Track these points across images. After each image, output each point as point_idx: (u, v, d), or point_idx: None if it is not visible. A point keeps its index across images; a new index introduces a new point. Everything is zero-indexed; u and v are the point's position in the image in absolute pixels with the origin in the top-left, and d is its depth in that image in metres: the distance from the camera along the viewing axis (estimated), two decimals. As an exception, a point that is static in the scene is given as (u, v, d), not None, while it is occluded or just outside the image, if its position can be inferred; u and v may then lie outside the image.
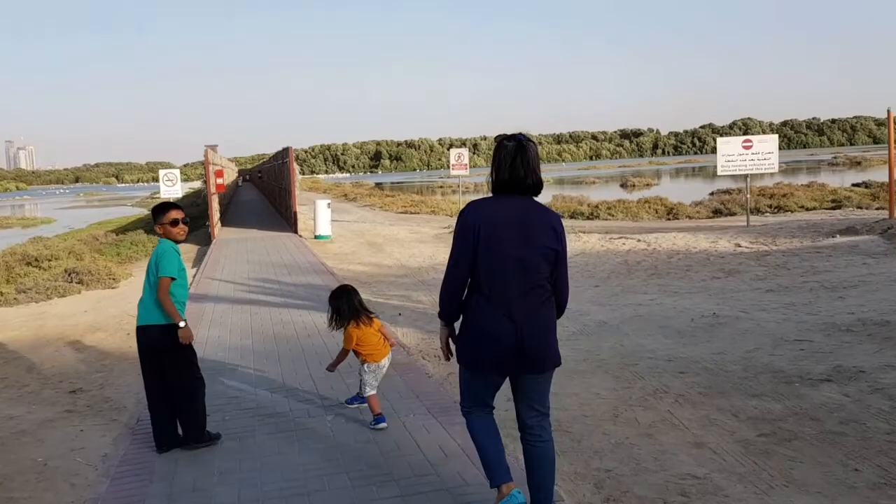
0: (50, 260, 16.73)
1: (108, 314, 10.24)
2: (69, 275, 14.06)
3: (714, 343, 6.79)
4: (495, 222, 3.17)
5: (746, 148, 18.30)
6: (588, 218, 27.56)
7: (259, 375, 6.44)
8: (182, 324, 4.54)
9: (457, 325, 3.46)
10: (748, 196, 19.19)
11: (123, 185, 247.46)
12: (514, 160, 3.18)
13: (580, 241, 15.51)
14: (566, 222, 26.50)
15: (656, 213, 26.75)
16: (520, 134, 3.26)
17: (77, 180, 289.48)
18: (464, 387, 3.44)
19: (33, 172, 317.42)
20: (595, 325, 7.84)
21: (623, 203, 29.75)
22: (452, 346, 3.49)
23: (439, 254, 15.67)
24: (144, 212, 49.86)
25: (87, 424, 5.40)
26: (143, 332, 4.62)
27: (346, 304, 4.98)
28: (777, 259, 11.72)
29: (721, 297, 9.00)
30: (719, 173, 18.66)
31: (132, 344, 8.33)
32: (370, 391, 5.02)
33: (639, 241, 14.90)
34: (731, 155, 18.39)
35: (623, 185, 55.76)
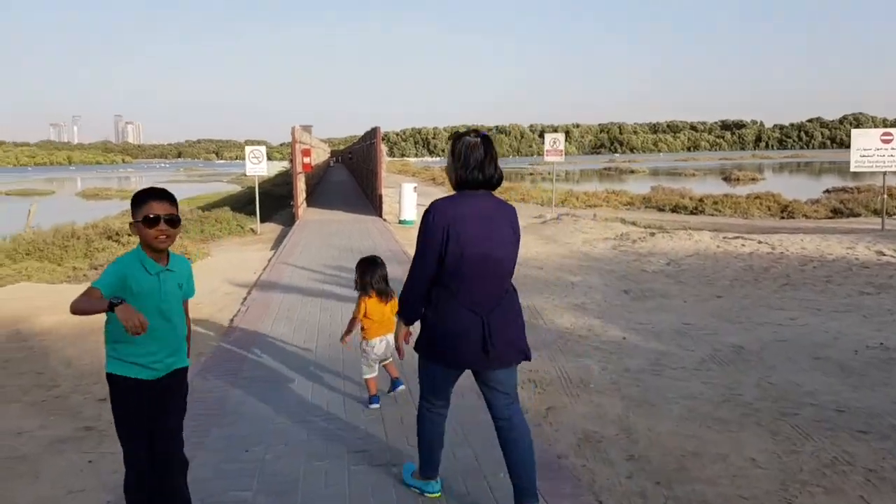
0: (130, 235, 16.35)
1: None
2: (144, 252, 13.50)
3: (894, 387, 5.25)
4: (462, 219, 3.15)
5: (886, 141, 16.09)
6: (692, 213, 25.59)
7: (319, 393, 5.33)
8: (117, 301, 2.76)
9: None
10: (885, 196, 16.94)
11: (221, 161, 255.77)
12: (484, 156, 3.19)
13: (691, 241, 13.82)
14: (667, 216, 24.81)
15: (769, 210, 24.60)
16: (482, 130, 3.28)
17: (179, 155, 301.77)
18: (426, 381, 3.44)
19: (139, 146, 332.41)
20: (729, 351, 6.37)
21: (730, 198, 27.51)
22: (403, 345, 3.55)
23: (531, 246, 14.33)
24: (237, 188, 50.45)
25: (102, 450, 4.39)
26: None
27: (370, 276, 4.89)
28: (937, 273, 9.84)
29: (880, 321, 7.33)
30: (853, 169, 16.50)
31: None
32: (368, 374, 5.00)
33: (760, 242, 13.12)
34: (867, 149, 16.22)
35: (726, 179, 52.73)
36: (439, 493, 3.60)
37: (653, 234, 14.90)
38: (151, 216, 2.98)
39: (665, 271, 11.04)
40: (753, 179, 50.03)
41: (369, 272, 4.88)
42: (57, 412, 5.14)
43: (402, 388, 5.06)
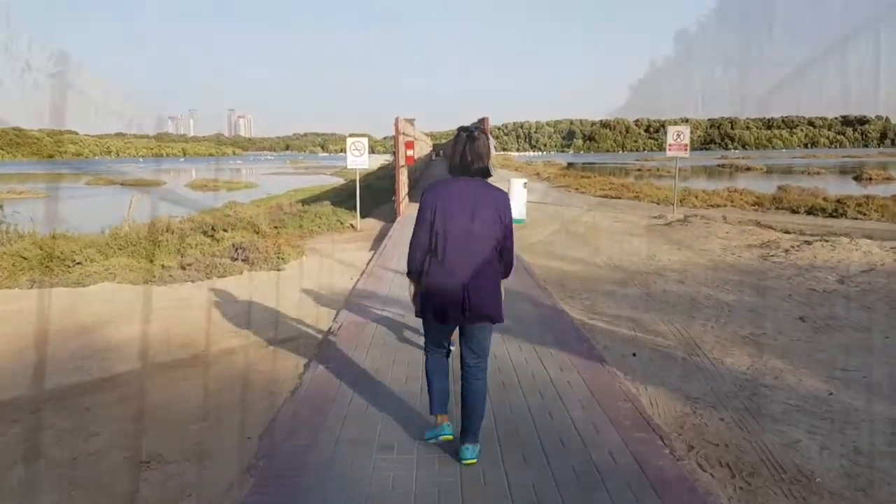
0: (225, 230, 15.49)
1: (259, 311, 8.25)
2: (236, 250, 12.51)
3: None
4: (448, 199, 3.73)
5: None
6: (831, 216, 22.76)
7: (424, 486, 3.86)
8: None
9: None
10: None
11: (325, 154, 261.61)
12: (464, 149, 3.78)
13: (859, 251, 11.60)
14: (803, 219, 22.07)
15: (922, 214, 21.48)
16: (474, 126, 3.87)
17: (287, 148, 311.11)
18: (426, 334, 4.08)
19: (249, 139, 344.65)
20: None
21: (873, 199, 24.37)
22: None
23: (661, 253, 12.50)
24: (340, 181, 50.28)
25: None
26: None
27: None
28: None
29: None
30: None
31: (267, 367, 6.19)
32: None
33: (950, 256, 10.81)
34: None
35: (857, 178, 48.14)
36: (452, 436, 4.00)
37: (809, 243, 12.72)
38: None
39: (840, 291, 9.02)
40: (889, 179, 45.42)
41: None
42: (82, 483, 3.88)
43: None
